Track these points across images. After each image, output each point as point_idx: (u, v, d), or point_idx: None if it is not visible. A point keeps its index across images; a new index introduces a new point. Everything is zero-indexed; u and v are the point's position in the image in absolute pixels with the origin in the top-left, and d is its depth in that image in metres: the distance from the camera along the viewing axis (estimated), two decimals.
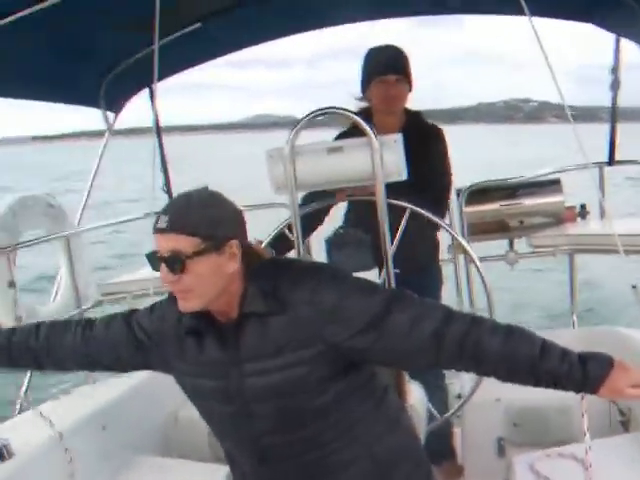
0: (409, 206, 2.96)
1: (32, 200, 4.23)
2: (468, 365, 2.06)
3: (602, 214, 4.89)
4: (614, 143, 5.11)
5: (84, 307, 4.51)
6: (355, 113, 3.10)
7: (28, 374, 4.01)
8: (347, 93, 3.71)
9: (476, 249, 3.33)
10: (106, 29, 3.75)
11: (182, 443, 3.79)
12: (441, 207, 3.63)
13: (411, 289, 2.13)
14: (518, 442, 3.67)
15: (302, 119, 2.79)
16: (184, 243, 1.92)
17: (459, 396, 3.74)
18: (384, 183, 2.73)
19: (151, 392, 3.69)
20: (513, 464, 3.04)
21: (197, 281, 1.97)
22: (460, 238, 3.18)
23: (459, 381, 3.87)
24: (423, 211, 3.00)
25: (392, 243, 2.86)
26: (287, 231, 3.08)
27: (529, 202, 4.68)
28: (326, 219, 3.66)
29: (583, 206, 5.00)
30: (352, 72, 3.81)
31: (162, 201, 4.77)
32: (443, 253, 4.22)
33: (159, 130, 5.09)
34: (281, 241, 3.10)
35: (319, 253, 3.28)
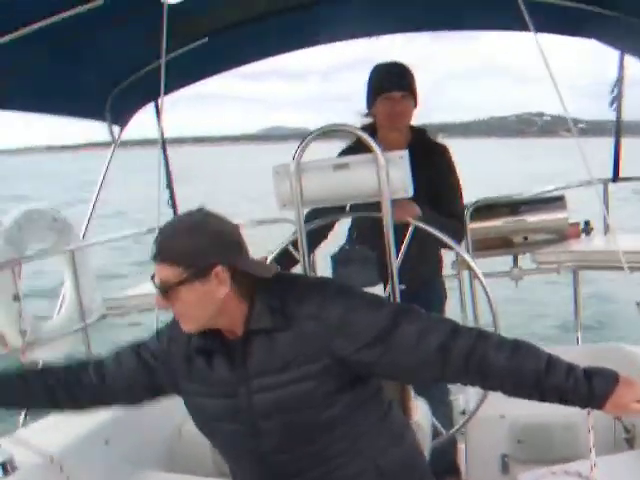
0: (420, 224, 2.97)
1: (37, 214, 4.24)
2: (474, 379, 2.07)
3: (606, 230, 4.89)
4: (618, 160, 5.12)
5: (89, 321, 4.51)
6: (360, 129, 3.12)
7: None
8: (353, 111, 3.73)
9: (480, 265, 3.34)
10: (113, 43, 3.77)
11: (186, 458, 3.77)
12: (461, 232, 3.67)
13: (415, 304, 2.14)
14: (522, 459, 3.66)
15: (308, 136, 2.80)
16: (168, 272, 1.97)
17: (463, 412, 3.73)
18: (390, 199, 2.74)
19: (155, 406, 3.67)
20: None
21: (186, 308, 2.01)
22: (465, 254, 3.18)
23: (463, 397, 3.85)
24: (427, 227, 3.02)
25: (397, 259, 2.86)
26: (291, 247, 3.09)
27: (533, 218, 4.69)
28: (330, 235, 3.67)
29: (587, 222, 5.01)
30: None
31: (167, 216, 4.81)
32: (447, 268, 4.23)
33: (164, 145, 5.11)
34: (286, 257, 3.10)
35: (324, 269, 3.28)
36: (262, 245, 3.10)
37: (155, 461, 3.67)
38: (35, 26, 3.19)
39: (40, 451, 3.07)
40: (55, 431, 3.19)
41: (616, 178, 5.13)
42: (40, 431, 3.23)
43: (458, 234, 3.59)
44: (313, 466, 2.14)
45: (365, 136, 2.79)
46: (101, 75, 4.33)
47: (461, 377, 2.08)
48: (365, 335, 2.00)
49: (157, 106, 4.95)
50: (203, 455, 3.59)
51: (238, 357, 2.07)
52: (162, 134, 4.94)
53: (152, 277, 2.02)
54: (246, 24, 4.18)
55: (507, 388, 2.02)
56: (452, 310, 4.11)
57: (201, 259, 1.95)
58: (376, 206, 2.80)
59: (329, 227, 3.57)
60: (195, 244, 1.95)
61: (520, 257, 4.81)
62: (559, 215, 4.74)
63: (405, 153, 2.73)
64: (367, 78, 3.61)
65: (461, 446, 4.04)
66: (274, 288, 2.07)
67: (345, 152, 3.55)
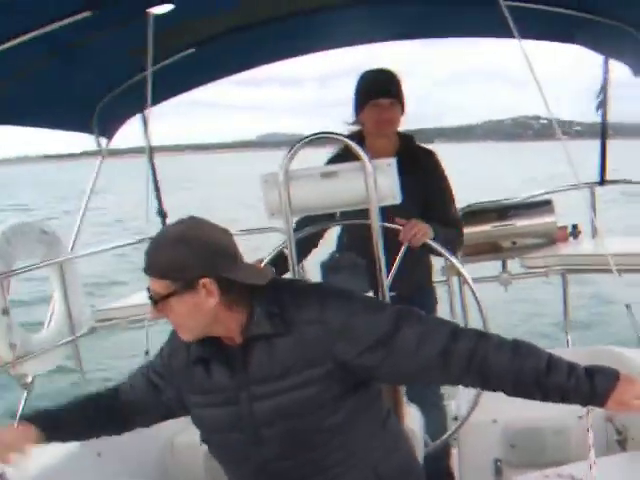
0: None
1: (26, 227, 4.23)
2: (475, 381, 2.08)
3: (594, 233, 4.92)
4: (605, 163, 5.15)
5: (78, 334, 4.49)
6: (348, 137, 3.12)
7: (23, 399, 3.99)
8: (340, 121, 3.73)
9: (469, 270, 3.35)
10: (99, 55, 3.76)
11: (179, 470, 3.76)
12: (461, 240, 3.68)
13: None
14: (515, 463, 3.67)
15: (296, 144, 2.81)
16: (157, 285, 1.98)
17: (456, 418, 3.73)
18: (378, 207, 2.75)
19: None
20: None
21: (178, 319, 2.03)
22: (453, 259, 3.19)
23: (455, 402, 3.86)
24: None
25: (386, 265, 2.86)
26: (286, 251, 3.08)
27: (521, 223, 4.71)
28: (321, 243, 3.67)
29: (575, 226, 5.04)
30: None
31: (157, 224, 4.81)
32: (436, 274, 4.23)
33: (152, 155, 5.10)
34: (280, 261, 3.08)
35: (314, 277, 3.28)
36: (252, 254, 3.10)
37: (147, 473, 3.65)
38: (21, 39, 3.19)
39: (32, 464, 3.05)
40: (47, 443, 3.16)
41: (603, 181, 5.16)
42: None
43: (459, 244, 3.64)
44: (314, 473, 2.13)
45: (352, 144, 2.79)
46: (88, 87, 4.32)
47: (463, 379, 2.08)
48: (367, 339, 2.00)
49: (144, 117, 4.95)
50: (196, 467, 3.58)
51: (238, 364, 2.06)
52: (150, 145, 4.94)
53: (148, 288, 2.03)
54: (233, 34, 4.19)
55: (509, 388, 2.03)
56: (443, 316, 4.11)
57: (187, 272, 1.95)
58: (366, 213, 2.81)
59: (319, 235, 3.57)
60: (180, 257, 1.95)
61: (509, 261, 4.83)
62: (547, 219, 4.76)
63: (393, 160, 2.74)
64: (355, 85, 3.62)
65: (454, 451, 4.04)
66: (272, 294, 2.07)
67: (333, 159, 3.55)
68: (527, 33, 3.23)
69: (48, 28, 3.19)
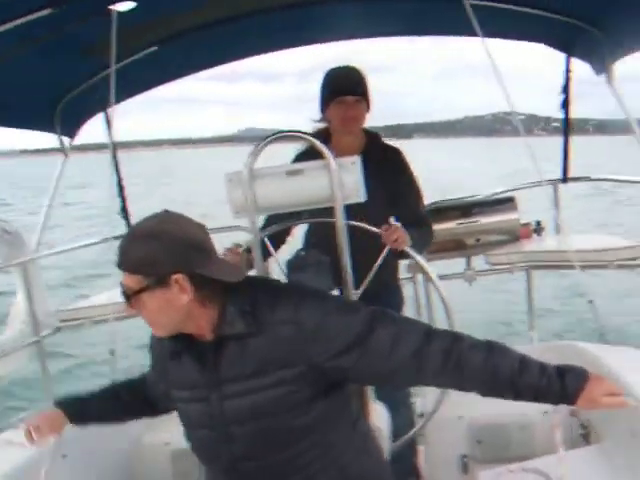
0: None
1: None
2: (450, 381, 2.09)
3: (558, 230, 4.97)
4: (567, 160, 5.20)
5: (43, 334, 4.44)
6: (314, 134, 3.11)
7: None
8: (306, 118, 3.73)
9: (434, 267, 3.36)
10: (61, 53, 3.72)
11: (146, 469, 3.73)
12: (431, 238, 3.71)
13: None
14: (481, 459, 3.70)
15: (260, 144, 2.80)
16: (130, 280, 1.97)
17: (422, 415, 3.75)
18: (343, 204, 2.75)
19: None
20: None
21: (150, 315, 2.01)
22: (418, 257, 3.20)
23: (421, 399, 3.88)
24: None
25: (353, 263, 2.86)
26: (266, 239, 3.07)
27: (485, 220, 4.75)
28: (289, 239, 3.67)
29: (538, 222, 5.09)
30: None
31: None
32: (402, 272, 4.25)
33: (115, 154, 5.06)
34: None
35: (280, 275, 3.27)
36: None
37: (114, 474, 3.62)
38: None
39: None
40: (11, 446, 3.13)
41: (566, 179, 5.22)
42: None
43: (430, 243, 3.69)
44: (283, 473, 2.13)
45: (317, 142, 2.79)
46: (49, 86, 4.27)
47: (437, 380, 2.09)
48: (341, 340, 1.99)
49: (107, 116, 4.90)
50: (163, 467, 3.56)
51: (209, 361, 2.06)
52: (113, 144, 4.89)
53: (121, 283, 2.01)
54: (197, 31, 4.16)
55: (483, 389, 2.05)
56: (408, 313, 4.13)
57: (160, 267, 1.93)
58: (331, 211, 2.81)
59: (287, 232, 3.57)
60: (152, 252, 1.93)
61: (473, 258, 4.86)
62: (510, 216, 4.81)
63: (357, 159, 2.74)
64: (321, 83, 3.62)
65: (421, 448, 4.07)
66: (246, 292, 2.05)
67: (300, 157, 3.54)
68: (492, 32, 3.26)
69: (8, 25, 3.15)
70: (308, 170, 2.78)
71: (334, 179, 2.70)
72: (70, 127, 4.89)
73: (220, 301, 2.03)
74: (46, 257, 5.08)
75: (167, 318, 2.00)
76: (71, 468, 3.31)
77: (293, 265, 3.02)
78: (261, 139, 2.83)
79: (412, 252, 3.14)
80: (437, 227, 4.52)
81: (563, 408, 2.38)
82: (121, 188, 5.29)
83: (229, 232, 4.58)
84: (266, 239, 3.08)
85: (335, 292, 2.90)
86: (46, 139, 4.76)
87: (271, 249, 3.09)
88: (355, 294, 2.90)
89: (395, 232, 3.08)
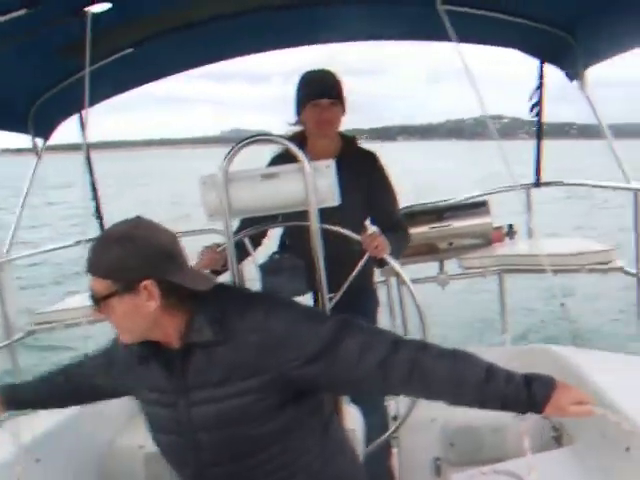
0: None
1: None
2: (416, 391, 2.11)
3: (530, 234, 5.01)
4: (539, 165, 5.25)
5: (16, 337, 4.41)
6: (289, 137, 3.11)
7: None
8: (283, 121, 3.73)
9: (407, 271, 3.38)
10: (34, 54, 3.69)
11: (119, 473, 3.72)
12: (408, 241, 3.72)
13: (348, 312, 2.15)
14: (454, 461, 3.72)
15: (234, 147, 2.79)
16: (98, 285, 1.96)
17: (395, 417, 3.76)
18: (317, 208, 2.75)
19: (86, 422, 3.61)
20: None
21: (118, 320, 2.01)
22: (392, 261, 3.22)
23: (395, 402, 3.89)
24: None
25: (327, 267, 2.86)
26: (246, 240, 3.07)
27: (458, 224, 4.78)
28: (265, 242, 3.66)
29: (511, 226, 5.12)
30: None
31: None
32: (376, 276, 4.26)
33: (89, 156, 5.03)
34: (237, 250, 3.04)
35: (253, 279, 3.27)
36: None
37: (88, 477, 3.60)
38: None
39: None
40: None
41: (538, 183, 5.26)
42: None
43: (406, 247, 3.70)
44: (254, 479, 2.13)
45: (291, 145, 2.79)
46: (24, 87, 4.24)
47: (404, 389, 2.11)
48: (309, 349, 1.99)
49: (81, 118, 4.88)
50: (136, 470, 3.55)
51: (177, 369, 2.05)
52: (87, 147, 4.87)
53: (90, 287, 2.00)
54: (172, 33, 4.15)
55: (448, 398, 2.06)
56: (382, 316, 4.14)
57: (129, 272, 1.92)
58: (306, 215, 2.81)
59: (263, 234, 3.56)
60: (121, 257, 1.92)
61: (446, 262, 4.89)
62: (483, 220, 4.84)
63: (332, 162, 2.75)
64: (296, 86, 3.62)
65: (394, 451, 4.08)
66: (215, 300, 2.05)
67: (276, 160, 3.55)
68: (466, 37, 3.28)
69: None
70: (283, 174, 2.78)
71: (308, 183, 2.70)
72: (44, 128, 4.86)
73: (188, 309, 2.03)
74: (20, 259, 5.04)
75: (134, 324, 2.00)
76: (45, 472, 3.29)
77: (267, 269, 3.03)
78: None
79: (390, 259, 3.16)
80: (411, 231, 4.56)
81: None
82: (95, 190, 5.27)
83: (203, 235, 4.57)
84: (246, 239, 3.07)
85: (310, 296, 2.90)
86: (26, 139, 4.73)
87: (250, 249, 3.09)
88: (330, 297, 2.90)
89: (375, 239, 3.11)
